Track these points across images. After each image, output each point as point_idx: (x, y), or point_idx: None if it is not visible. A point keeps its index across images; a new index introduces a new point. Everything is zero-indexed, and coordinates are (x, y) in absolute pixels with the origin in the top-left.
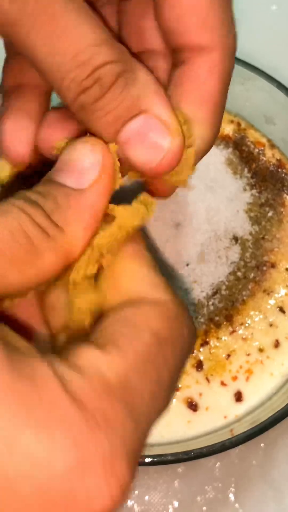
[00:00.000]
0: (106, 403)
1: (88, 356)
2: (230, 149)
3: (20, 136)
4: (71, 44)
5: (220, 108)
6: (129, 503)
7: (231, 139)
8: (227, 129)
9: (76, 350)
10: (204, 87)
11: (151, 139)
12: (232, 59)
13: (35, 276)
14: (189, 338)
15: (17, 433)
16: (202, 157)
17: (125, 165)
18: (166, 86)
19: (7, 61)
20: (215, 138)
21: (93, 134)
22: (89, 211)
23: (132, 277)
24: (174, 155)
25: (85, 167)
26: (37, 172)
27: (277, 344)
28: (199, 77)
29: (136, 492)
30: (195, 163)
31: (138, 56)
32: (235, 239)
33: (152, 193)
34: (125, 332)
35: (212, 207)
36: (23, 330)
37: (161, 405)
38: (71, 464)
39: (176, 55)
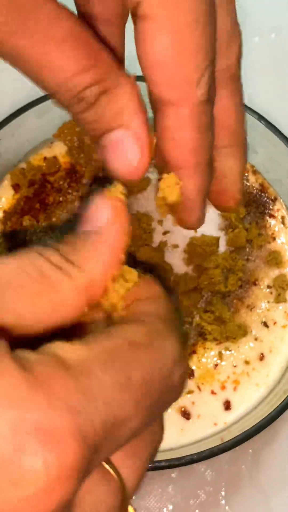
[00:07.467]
0: (53, 371)
1: (52, 344)
2: None
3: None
4: (55, 77)
5: (199, 157)
6: None
7: None
8: None
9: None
10: (177, 139)
11: (123, 151)
12: (205, 110)
13: (52, 309)
14: (172, 351)
15: None
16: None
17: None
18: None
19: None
20: (203, 184)
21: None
22: (107, 249)
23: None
24: (139, 170)
25: (99, 213)
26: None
27: (262, 357)
28: (170, 129)
29: (133, 497)
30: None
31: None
32: None
33: (181, 224)
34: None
35: (200, 230)
36: None
37: (128, 401)
38: (3, 427)
39: (154, 99)
